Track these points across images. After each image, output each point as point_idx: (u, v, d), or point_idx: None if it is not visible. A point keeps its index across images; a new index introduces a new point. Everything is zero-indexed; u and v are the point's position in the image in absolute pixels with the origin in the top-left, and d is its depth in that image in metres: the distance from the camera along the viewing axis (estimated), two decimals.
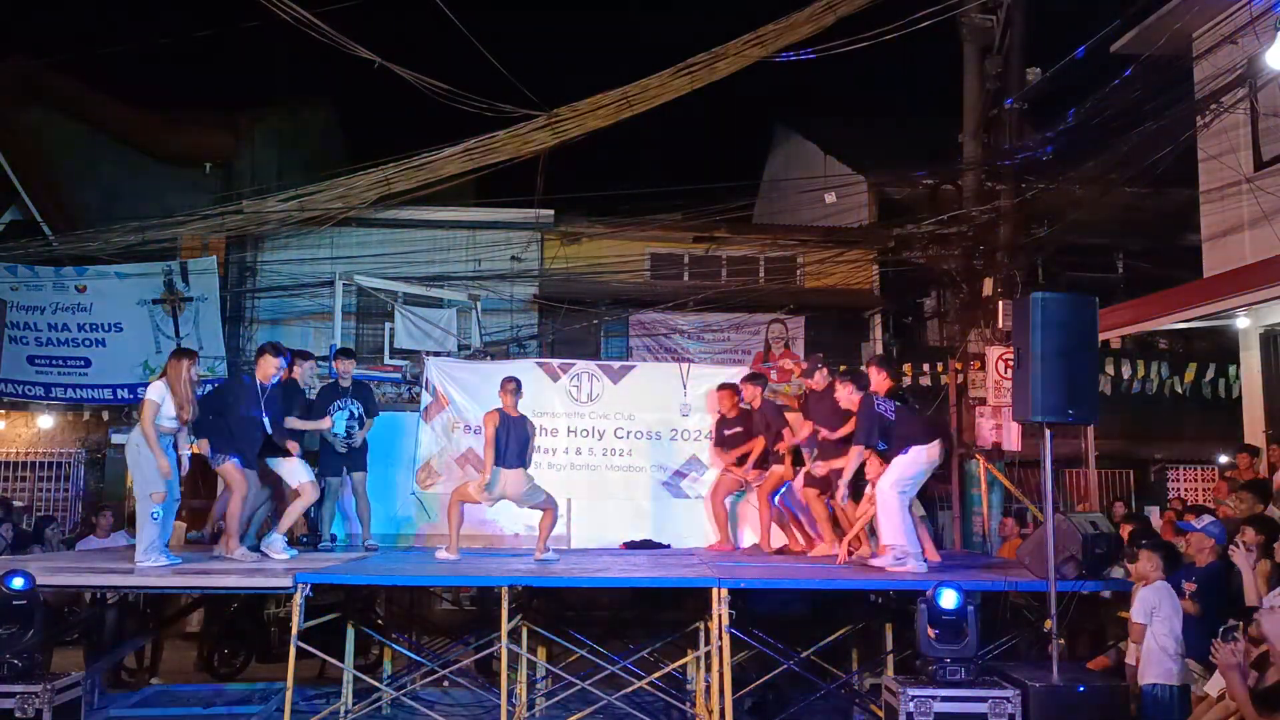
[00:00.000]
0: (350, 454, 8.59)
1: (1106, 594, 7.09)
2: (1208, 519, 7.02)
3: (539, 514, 8.08)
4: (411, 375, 11.40)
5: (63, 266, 14.28)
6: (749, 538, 9.40)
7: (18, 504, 12.92)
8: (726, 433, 9.22)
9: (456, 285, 14.48)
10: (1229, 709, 4.92)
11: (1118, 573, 6.93)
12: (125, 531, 10.20)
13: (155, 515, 6.99)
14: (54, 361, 14.24)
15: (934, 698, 5.75)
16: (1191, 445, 15.10)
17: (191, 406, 7.18)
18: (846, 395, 7.76)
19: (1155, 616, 5.87)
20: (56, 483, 14.81)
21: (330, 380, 8.81)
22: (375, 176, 13.75)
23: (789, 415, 9.00)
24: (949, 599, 5.88)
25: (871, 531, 7.85)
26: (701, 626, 7.28)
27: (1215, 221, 11.22)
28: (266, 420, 7.65)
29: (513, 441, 7.78)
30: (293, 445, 7.78)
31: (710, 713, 6.76)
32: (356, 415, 8.63)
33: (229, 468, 7.48)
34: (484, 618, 9.29)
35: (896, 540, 7.21)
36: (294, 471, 7.77)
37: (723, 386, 9.26)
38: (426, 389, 9.69)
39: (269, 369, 7.69)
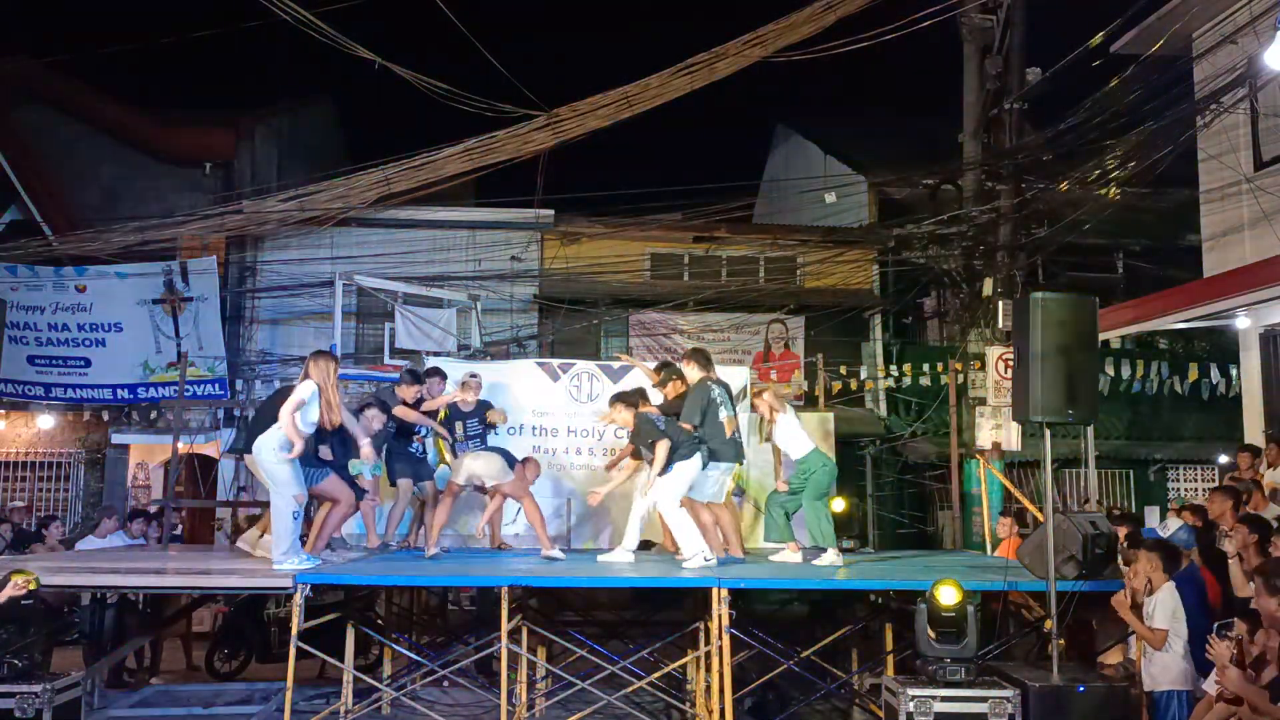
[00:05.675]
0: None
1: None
2: (1175, 524, 6.96)
3: (533, 513, 8.06)
4: None
5: (63, 266, 14.27)
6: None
7: (18, 504, 12.96)
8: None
9: (456, 285, 14.49)
10: (1229, 708, 4.91)
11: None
12: (125, 532, 10.20)
13: (296, 514, 6.82)
14: (54, 361, 14.23)
15: (934, 698, 5.75)
16: (1191, 445, 15.10)
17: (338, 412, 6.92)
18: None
19: (1173, 620, 5.83)
20: (56, 483, 14.81)
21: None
22: (375, 176, 13.76)
23: None
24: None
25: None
26: (701, 626, 7.27)
27: (1215, 221, 11.21)
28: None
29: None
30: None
31: (710, 713, 6.76)
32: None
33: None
34: (484, 618, 9.29)
35: None
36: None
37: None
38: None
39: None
